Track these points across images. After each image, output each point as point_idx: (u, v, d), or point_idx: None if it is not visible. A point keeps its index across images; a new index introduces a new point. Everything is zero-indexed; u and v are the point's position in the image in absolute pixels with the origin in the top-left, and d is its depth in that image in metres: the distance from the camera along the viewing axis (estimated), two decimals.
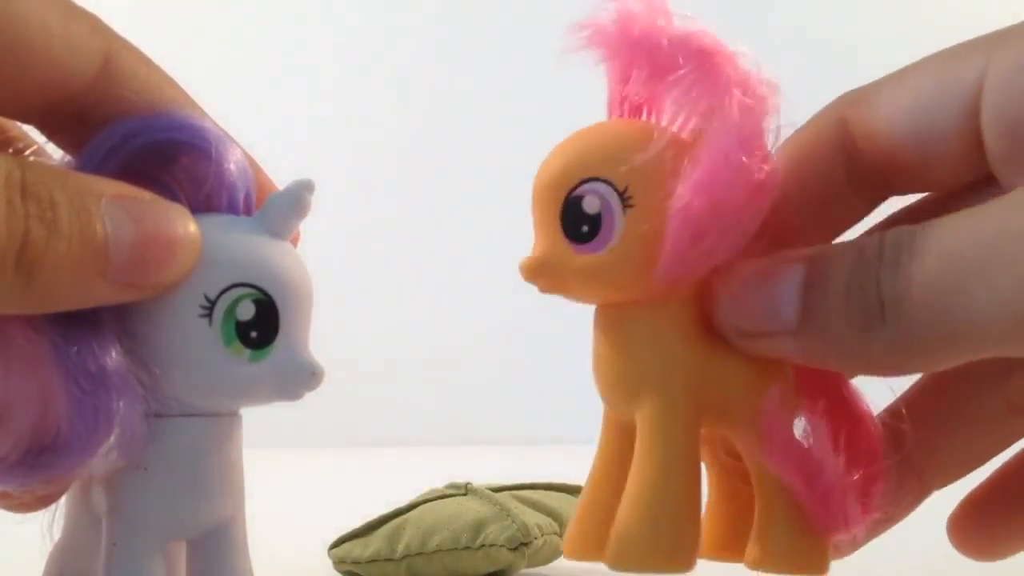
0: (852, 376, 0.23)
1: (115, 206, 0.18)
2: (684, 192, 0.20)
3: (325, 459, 0.81)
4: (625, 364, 0.22)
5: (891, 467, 0.22)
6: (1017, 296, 0.17)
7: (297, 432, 0.78)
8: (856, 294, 0.19)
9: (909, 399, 0.24)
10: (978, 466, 0.24)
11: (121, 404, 0.19)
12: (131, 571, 0.20)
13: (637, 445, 0.22)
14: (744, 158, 0.20)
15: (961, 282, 0.17)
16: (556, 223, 0.21)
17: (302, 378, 0.21)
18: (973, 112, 0.20)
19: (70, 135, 0.21)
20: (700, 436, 0.22)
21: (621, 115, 0.22)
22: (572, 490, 0.40)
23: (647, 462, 0.21)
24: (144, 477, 0.20)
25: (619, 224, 0.21)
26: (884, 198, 0.23)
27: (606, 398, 0.23)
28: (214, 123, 0.22)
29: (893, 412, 0.23)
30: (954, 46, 0.21)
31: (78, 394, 0.19)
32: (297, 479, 0.73)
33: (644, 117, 0.22)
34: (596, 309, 0.23)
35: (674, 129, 0.21)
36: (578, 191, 0.21)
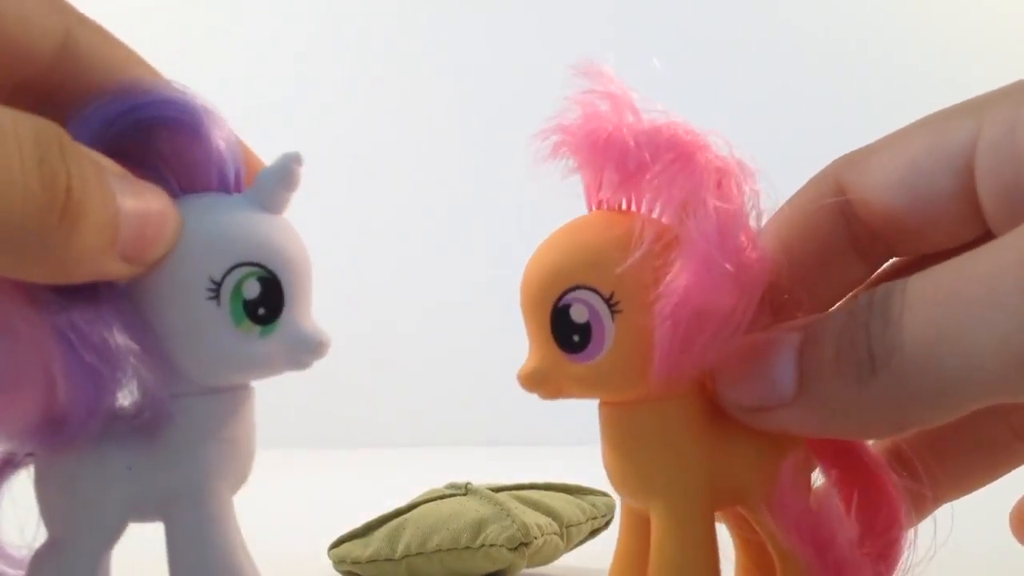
0: (856, 440, 0.23)
1: (119, 181, 0.18)
2: (666, 301, 0.19)
3: (325, 459, 0.81)
4: (631, 463, 0.22)
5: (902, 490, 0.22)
6: (1016, 331, 0.16)
7: (297, 432, 0.78)
8: (847, 350, 0.18)
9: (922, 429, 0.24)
10: (986, 484, 0.24)
11: (126, 374, 0.20)
12: (233, 529, 0.22)
13: (652, 540, 0.22)
14: (724, 258, 0.19)
15: (956, 323, 0.17)
16: (547, 332, 0.21)
17: (310, 347, 0.21)
18: (967, 174, 0.20)
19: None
20: (714, 523, 0.22)
21: (600, 207, 0.22)
22: (572, 490, 0.40)
23: (662, 560, 0.21)
24: (214, 454, 0.21)
25: (609, 331, 0.20)
26: (885, 260, 0.23)
27: (617, 491, 0.23)
28: (196, 96, 0.21)
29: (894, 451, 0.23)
30: (945, 109, 0.21)
31: (79, 366, 0.19)
32: (297, 479, 0.73)
33: (625, 207, 0.21)
34: (599, 405, 0.23)
35: (657, 222, 0.20)
36: (564, 300, 0.20)
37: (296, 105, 1.01)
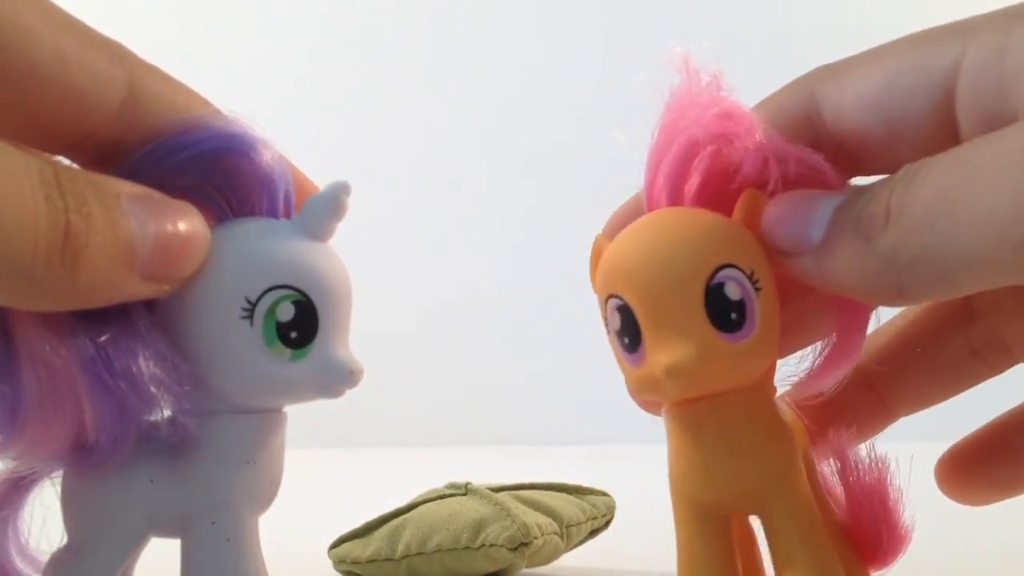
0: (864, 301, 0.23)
1: (134, 203, 0.19)
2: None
3: (325, 459, 0.81)
4: (742, 458, 0.21)
5: (861, 397, 0.25)
6: (1005, 205, 0.16)
7: (297, 432, 0.78)
8: (868, 208, 0.19)
9: (883, 343, 0.26)
10: (942, 401, 0.26)
11: (153, 401, 0.20)
12: (249, 554, 0.22)
13: (780, 543, 0.21)
14: None
15: (955, 188, 0.17)
16: (696, 315, 0.20)
17: (341, 376, 0.21)
18: (947, 97, 0.19)
19: (102, 166, 0.21)
20: None
21: (668, 204, 0.21)
22: (572, 490, 0.40)
23: (812, 561, 0.20)
24: (236, 475, 0.22)
25: (757, 308, 0.20)
26: (849, 177, 0.23)
27: (707, 497, 0.22)
28: (250, 126, 0.22)
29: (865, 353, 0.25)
30: (930, 29, 0.20)
31: (106, 395, 0.19)
32: (297, 479, 0.73)
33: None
34: (673, 407, 0.22)
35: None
36: (717, 278, 0.20)
37: (297, 107, 1.01)
